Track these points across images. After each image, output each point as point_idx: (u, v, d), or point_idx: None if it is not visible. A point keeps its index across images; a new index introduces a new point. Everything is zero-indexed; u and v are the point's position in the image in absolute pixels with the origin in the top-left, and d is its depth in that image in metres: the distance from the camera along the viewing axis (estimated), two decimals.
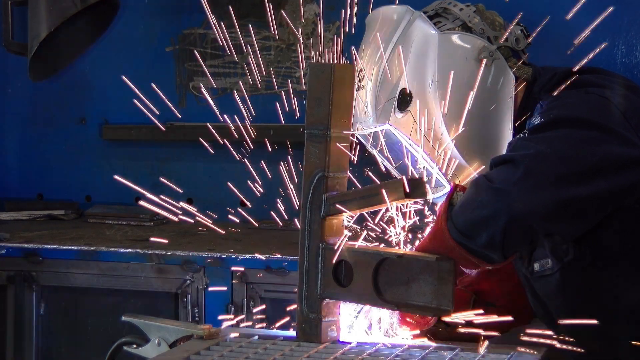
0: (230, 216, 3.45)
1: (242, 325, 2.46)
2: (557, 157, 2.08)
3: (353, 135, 2.20)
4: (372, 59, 2.43)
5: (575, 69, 2.35)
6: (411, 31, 2.40)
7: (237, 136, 3.91)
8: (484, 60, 2.36)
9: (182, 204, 2.73)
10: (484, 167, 2.35)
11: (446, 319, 2.12)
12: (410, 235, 2.31)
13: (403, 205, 2.26)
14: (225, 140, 3.95)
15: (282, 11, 3.84)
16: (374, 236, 2.35)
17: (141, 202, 2.73)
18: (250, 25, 3.76)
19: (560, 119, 2.16)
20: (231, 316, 2.73)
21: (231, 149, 3.97)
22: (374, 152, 2.57)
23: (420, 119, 2.37)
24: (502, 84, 2.39)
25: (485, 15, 2.46)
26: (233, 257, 3.20)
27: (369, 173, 2.58)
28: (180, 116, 3.86)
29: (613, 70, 2.54)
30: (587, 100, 2.20)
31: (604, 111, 2.17)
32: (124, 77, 3.24)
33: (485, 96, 2.37)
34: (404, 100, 2.38)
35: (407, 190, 1.99)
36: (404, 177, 2.01)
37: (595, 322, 2.22)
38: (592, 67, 2.37)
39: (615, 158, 2.10)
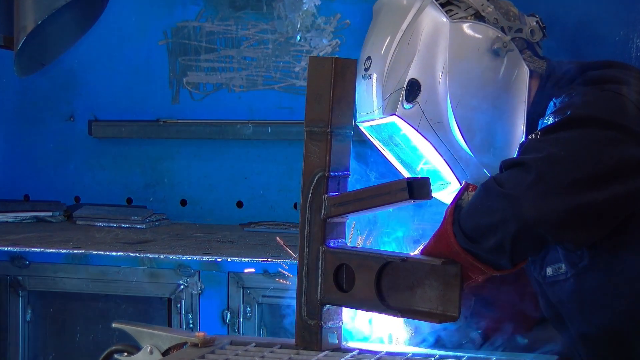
0: (226, 217, 3.46)
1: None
2: (571, 160, 2.05)
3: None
4: (380, 46, 2.43)
5: (590, 64, 2.34)
6: (421, 19, 2.40)
7: (233, 134, 3.93)
8: (498, 51, 2.37)
9: None
10: (492, 164, 2.34)
11: None
12: None
13: None
14: (220, 138, 3.97)
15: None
16: None
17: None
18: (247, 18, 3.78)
19: (575, 119, 2.14)
20: None
21: (227, 147, 3.99)
22: (382, 150, 2.57)
23: (429, 110, 2.36)
24: (515, 77, 2.39)
25: (500, 4, 2.45)
26: (229, 260, 3.20)
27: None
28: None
29: None
30: (603, 98, 2.18)
31: (620, 109, 2.15)
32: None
33: (497, 89, 2.36)
34: (412, 91, 2.38)
35: (411, 190, 1.99)
36: (408, 177, 2.01)
37: (610, 328, 2.22)
38: (608, 61, 2.36)
39: (633, 160, 2.08)
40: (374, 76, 2.42)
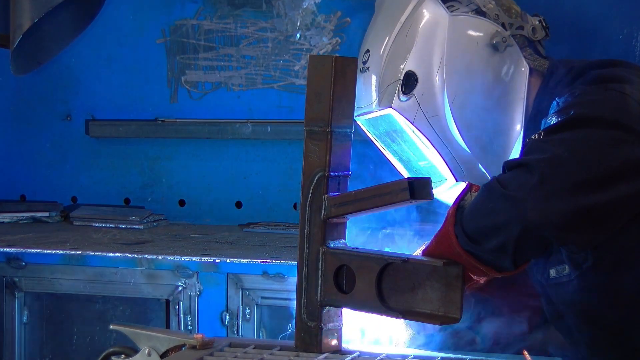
0: (225, 218, 3.45)
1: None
2: (575, 161, 2.05)
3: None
4: (378, 40, 2.43)
5: (594, 62, 2.34)
6: (420, 11, 2.41)
7: (232, 133, 3.93)
8: (497, 46, 2.36)
9: None
10: (489, 160, 2.34)
11: None
12: None
13: None
14: (219, 137, 3.97)
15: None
16: None
17: None
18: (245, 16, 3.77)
19: (578, 119, 2.13)
20: None
21: (226, 147, 3.99)
22: (379, 146, 2.57)
23: (425, 103, 2.36)
24: (514, 73, 2.39)
25: (502, 1, 2.45)
26: (228, 261, 3.20)
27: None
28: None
29: None
30: (607, 98, 2.18)
31: (624, 109, 2.14)
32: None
33: (495, 84, 2.36)
34: (409, 83, 2.38)
35: (412, 191, 1.99)
36: (409, 177, 2.01)
37: (614, 330, 2.22)
38: (612, 60, 2.36)
39: (638, 160, 2.08)
40: (372, 69, 2.42)
